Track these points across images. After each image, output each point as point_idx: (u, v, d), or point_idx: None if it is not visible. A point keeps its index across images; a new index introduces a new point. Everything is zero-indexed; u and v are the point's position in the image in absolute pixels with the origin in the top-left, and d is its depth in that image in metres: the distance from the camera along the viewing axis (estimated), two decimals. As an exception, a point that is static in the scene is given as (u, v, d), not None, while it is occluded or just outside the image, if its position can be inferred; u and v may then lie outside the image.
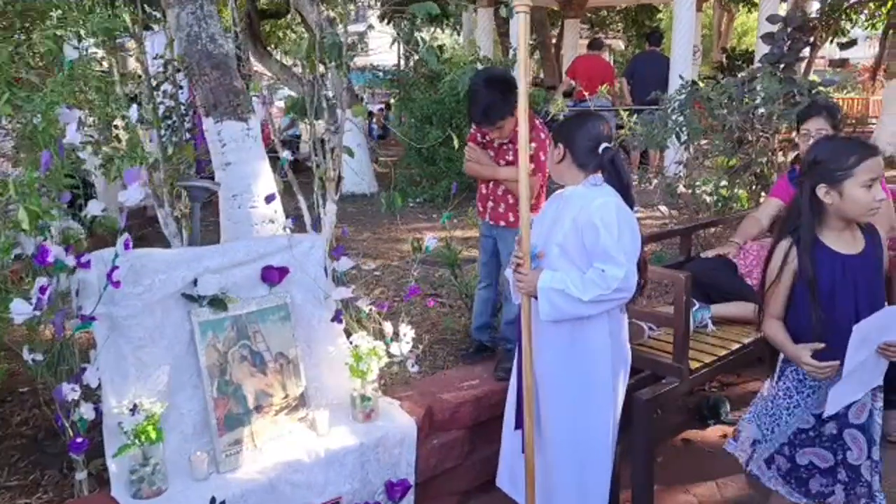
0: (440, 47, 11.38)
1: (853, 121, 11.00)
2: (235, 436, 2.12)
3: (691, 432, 3.12)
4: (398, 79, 7.67)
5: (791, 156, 4.09)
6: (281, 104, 11.50)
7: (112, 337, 2.04)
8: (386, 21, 11.14)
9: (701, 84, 4.66)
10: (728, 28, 16.44)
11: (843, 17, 11.17)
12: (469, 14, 10.77)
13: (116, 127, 2.67)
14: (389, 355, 2.47)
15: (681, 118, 4.37)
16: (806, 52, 5.04)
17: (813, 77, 8.26)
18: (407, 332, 2.50)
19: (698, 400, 3.32)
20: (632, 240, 1.98)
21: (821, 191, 1.87)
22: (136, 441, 1.90)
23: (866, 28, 12.87)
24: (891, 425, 2.80)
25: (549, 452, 2.18)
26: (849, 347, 1.78)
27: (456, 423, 2.59)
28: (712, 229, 4.09)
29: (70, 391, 1.88)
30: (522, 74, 2.02)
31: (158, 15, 5.03)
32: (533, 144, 2.64)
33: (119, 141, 2.40)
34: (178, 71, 3.07)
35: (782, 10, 8.50)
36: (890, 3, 10.19)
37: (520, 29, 1.99)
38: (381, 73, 8.58)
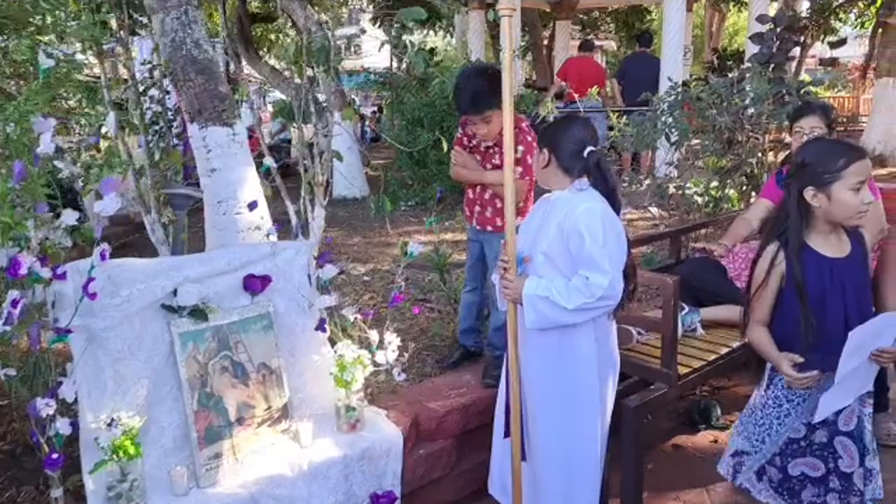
0: (431, 50, 11.38)
1: (844, 119, 11.04)
2: (216, 449, 2.08)
3: (682, 437, 3.10)
4: (389, 81, 7.64)
5: (781, 156, 4.08)
6: (272, 108, 11.47)
7: (90, 349, 2.00)
8: (377, 24, 11.12)
9: (691, 84, 4.65)
10: (719, 28, 16.47)
11: (833, 16, 11.21)
12: (462, 16, 10.76)
13: (103, 136, 2.64)
14: (375, 364, 2.44)
15: (670, 119, 4.35)
16: (796, 51, 5.04)
17: (804, 76, 8.28)
18: (392, 340, 2.46)
19: (689, 404, 3.30)
20: (617, 246, 1.95)
21: (808, 194, 1.84)
22: (114, 456, 1.86)
23: (856, 27, 12.92)
24: (881, 429, 2.78)
25: (537, 460, 2.16)
26: (843, 352, 1.75)
27: (443, 433, 2.55)
28: (703, 231, 4.07)
29: (44, 406, 1.83)
30: (508, 78, 1.99)
31: (145, 20, 5.00)
32: (520, 147, 2.62)
33: (99, 151, 2.36)
34: (165, 76, 3.04)
35: (773, 9, 8.51)
36: (879, 3, 10.22)
37: (505, 32, 1.97)
38: (372, 76, 8.56)
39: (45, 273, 1.89)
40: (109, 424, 1.86)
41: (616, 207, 2.04)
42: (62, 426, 1.89)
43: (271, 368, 2.27)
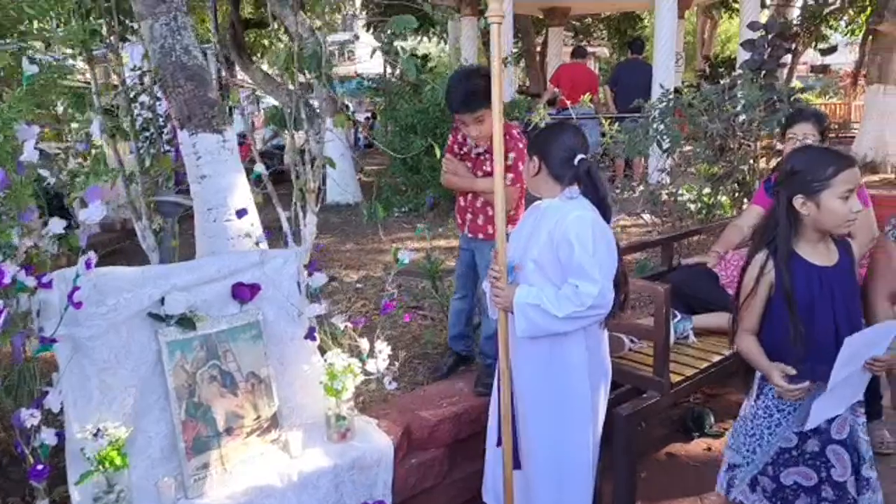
0: (425, 56, 11.39)
1: (836, 126, 11.10)
2: (204, 459, 2.05)
3: (676, 445, 3.08)
4: (383, 88, 7.64)
5: (773, 163, 4.10)
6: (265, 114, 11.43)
7: (76, 358, 1.98)
8: (370, 30, 11.13)
9: (683, 91, 4.66)
10: (711, 35, 16.55)
11: (824, 23, 11.29)
12: (456, 22, 10.78)
13: (92, 143, 2.62)
14: (366, 373, 2.42)
15: (661, 126, 4.36)
16: (787, 58, 5.06)
17: (796, 83, 8.32)
18: (383, 348, 2.45)
19: (682, 412, 3.29)
20: (608, 255, 1.94)
21: (797, 202, 1.84)
22: (100, 467, 1.84)
23: (846, 34, 13.02)
24: (875, 437, 2.77)
25: (529, 468, 2.15)
26: (837, 361, 1.74)
27: (435, 442, 2.53)
28: (695, 238, 4.07)
29: (29, 417, 1.81)
30: (497, 85, 1.98)
31: (136, 26, 4.97)
32: (512, 154, 2.60)
33: (86, 158, 2.34)
34: (156, 83, 3.02)
35: (764, 16, 8.57)
36: (869, 10, 10.30)
37: (494, 39, 1.96)
38: (366, 82, 8.55)
39: (30, 282, 1.87)
40: (95, 434, 1.84)
41: (607, 216, 2.03)
42: (47, 436, 1.86)
43: (260, 377, 2.25)
